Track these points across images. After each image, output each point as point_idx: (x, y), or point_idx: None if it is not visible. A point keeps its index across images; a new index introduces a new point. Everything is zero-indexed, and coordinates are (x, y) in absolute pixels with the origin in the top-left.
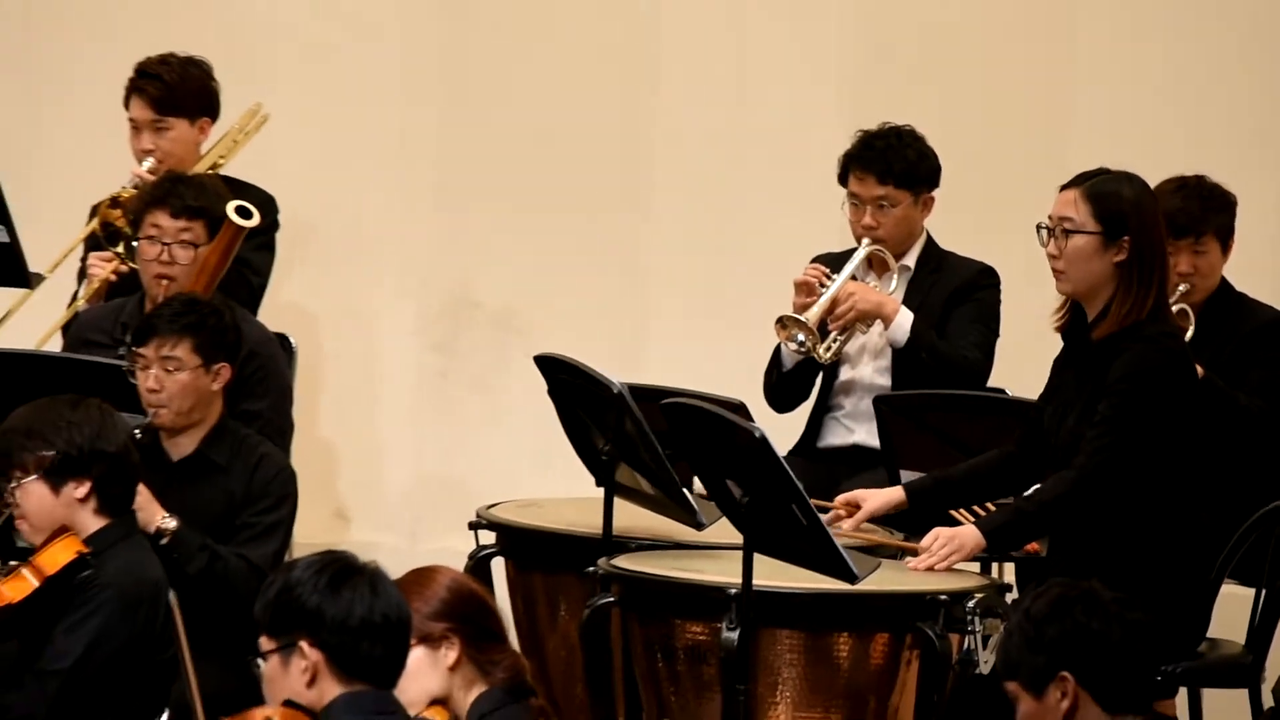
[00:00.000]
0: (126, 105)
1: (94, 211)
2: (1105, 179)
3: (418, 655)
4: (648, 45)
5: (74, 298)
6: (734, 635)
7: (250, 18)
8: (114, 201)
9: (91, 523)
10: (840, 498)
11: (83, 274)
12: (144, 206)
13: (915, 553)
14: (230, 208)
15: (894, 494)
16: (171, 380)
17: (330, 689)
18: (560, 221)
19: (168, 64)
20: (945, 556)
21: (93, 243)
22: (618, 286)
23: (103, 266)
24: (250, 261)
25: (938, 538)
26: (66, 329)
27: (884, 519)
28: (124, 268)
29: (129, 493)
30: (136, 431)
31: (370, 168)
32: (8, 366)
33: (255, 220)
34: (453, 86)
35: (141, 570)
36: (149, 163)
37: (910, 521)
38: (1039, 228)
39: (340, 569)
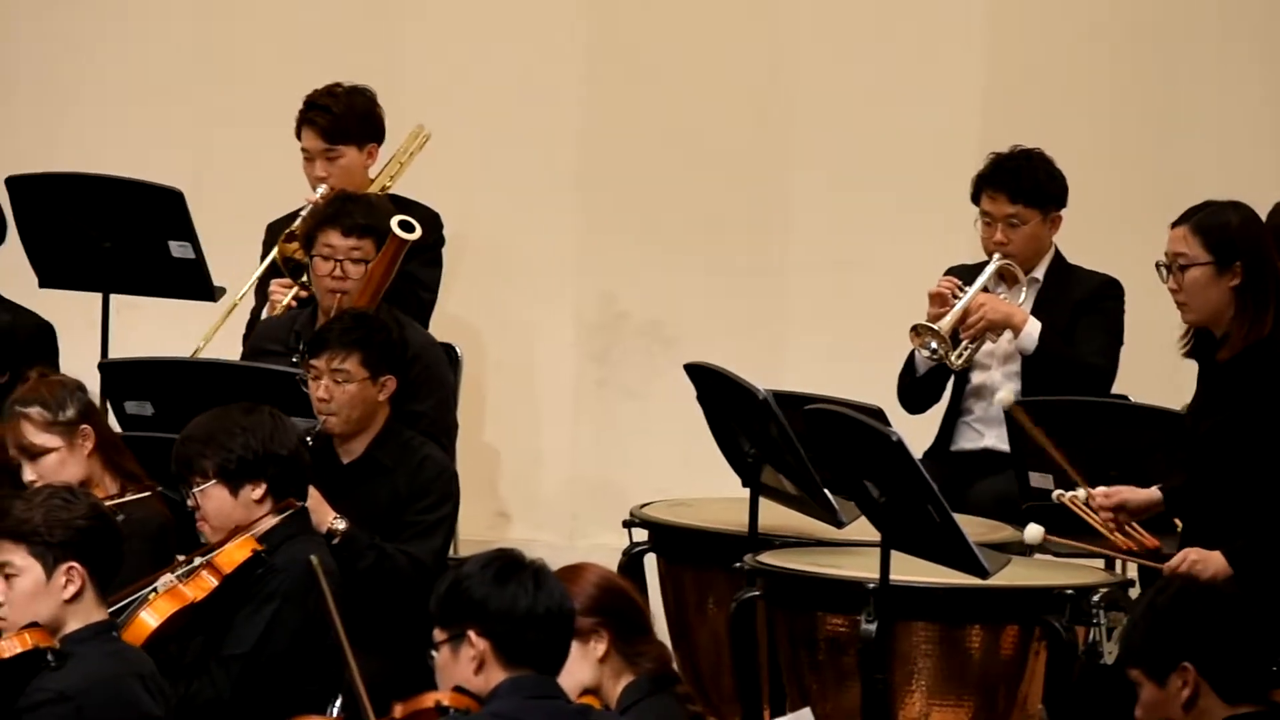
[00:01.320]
0: (298, 135)
1: (270, 230)
2: (1210, 211)
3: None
4: (787, 67)
5: (253, 316)
6: (872, 627)
7: (410, 43)
8: (289, 236)
9: (267, 522)
10: (1103, 497)
11: (260, 289)
12: (316, 225)
13: (1160, 572)
14: (394, 222)
15: (1152, 495)
16: (340, 391)
17: (496, 675)
18: (704, 237)
19: (334, 95)
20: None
21: (267, 258)
22: (760, 298)
23: (283, 292)
24: (420, 278)
25: (1185, 559)
26: (246, 338)
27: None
28: (304, 293)
29: (301, 492)
30: (309, 439)
31: (525, 188)
32: (196, 375)
33: (418, 233)
34: (598, 107)
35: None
36: (322, 189)
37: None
38: (1157, 266)
39: (506, 564)
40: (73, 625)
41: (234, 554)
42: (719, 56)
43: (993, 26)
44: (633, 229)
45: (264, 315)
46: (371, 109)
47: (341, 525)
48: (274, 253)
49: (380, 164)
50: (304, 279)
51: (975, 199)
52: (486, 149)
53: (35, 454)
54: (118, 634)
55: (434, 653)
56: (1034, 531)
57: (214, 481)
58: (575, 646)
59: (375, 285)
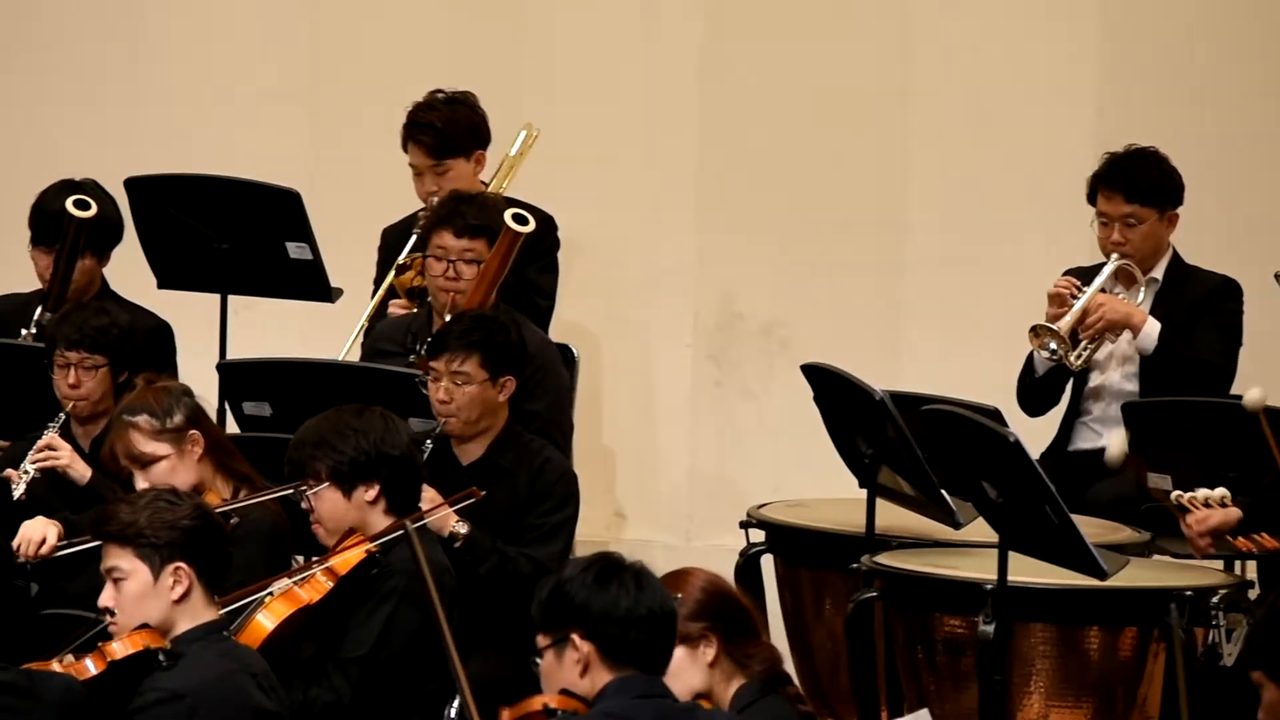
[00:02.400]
0: (405, 149)
1: (385, 236)
2: None
3: (679, 655)
4: (905, 67)
5: (370, 326)
6: (990, 628)
7: (525, 43)
8: (400, 269)
9: (380, 523)
10: (1197, 524)
11: (374, 293)
12: (430, 226)
13: None
14: (507, 215)
15: (1233, 514)
16: (460, 392)
17: (602, 677)
18: (821, 238)
19: (435, 109)
20: None
21: (383, 263)
22: (877, 298)
23: (404, 315)
24: (537, 284)
25: None
26: (365, 339)
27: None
28: (389, 320)
29: (414, 492)
30: (429, 441)
31: (641, 189)
32: (314, 376)
33: (531, 225)
34: (715, 108)
35: (431, 563)
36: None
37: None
38: (1276, 276)
39: (606, 567)
40: (183, 626)
41: (348, 556)
42: (837, 56)
43: (1106, 26)
44: (750, 230)
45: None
46: (473, 116)
47: (464, 529)
48: (388, 280)
49: (492, 167)
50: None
51: (1091, 199)
52: (603, 150)
53: (146, 462)
54: (229, 634)
55: (537, 659)
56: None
57: (327, 484)
58: (685, 652)
59: (490, 280)
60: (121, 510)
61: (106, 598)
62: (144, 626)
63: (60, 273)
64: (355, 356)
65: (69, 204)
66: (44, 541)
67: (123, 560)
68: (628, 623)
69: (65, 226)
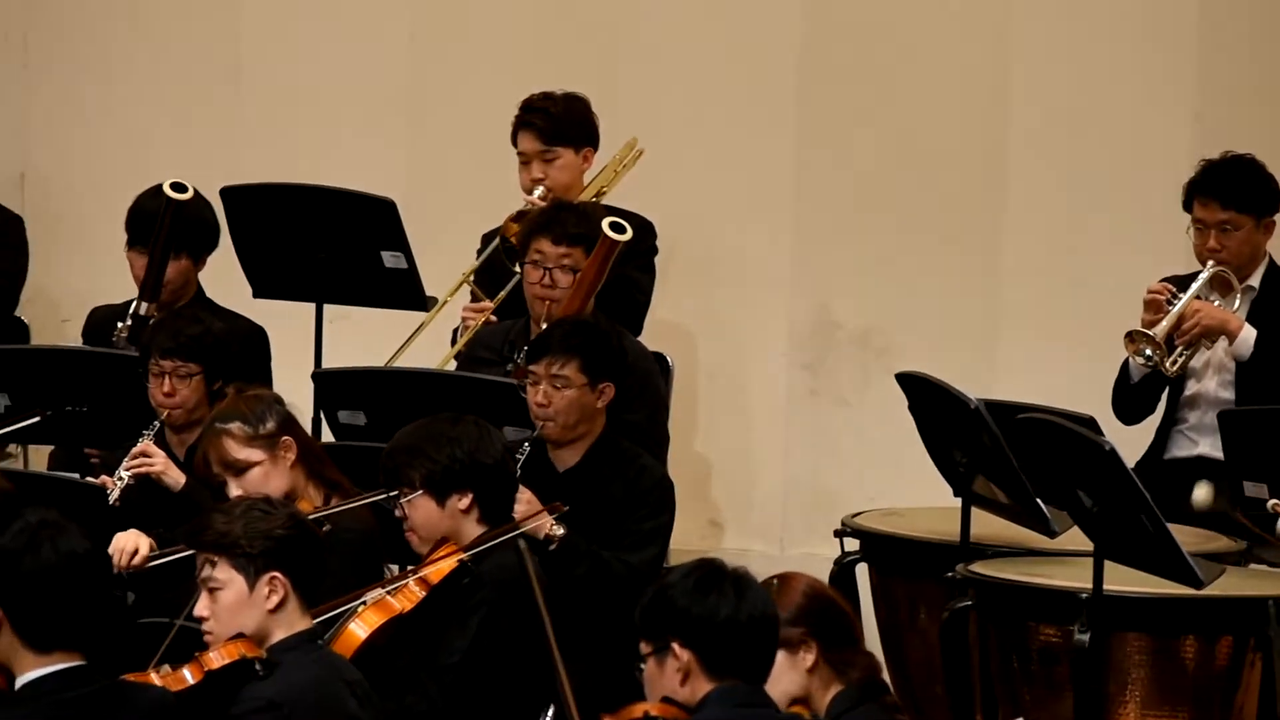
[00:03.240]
0: (514, 141)
1: (486, 241)
2: None
3: (778, 659)
4: (1005, 71)
5: (454, 337)
6: (1085, 638)
7: (624, 52)
8: (517, 216)
9: (473, 532)
10: None
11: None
12: (529, 232)
13: None
14: (605, 223)
15: None
16: (559, 397)
17: (702, 685)
18: (918, 245)
19: (551, 98)
20: None
21: (482, 272)
22: (973, 306)
23: (474, 317)
24: (636, 282)
25: None
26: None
27: None
28: (493, 319)
29: (508, 501)
30: (525, 445)
31: (738, 194)
32: (409, 385)
33: (629, 235)
34: (813, 113)
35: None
36: (539, 191)
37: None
38: None
39: (708, 574)
40: (278, 635)
41: (441, 565)
42: (936, 59)
43: (1205, 33)
44: (846, 237)
45: (458, 338)
46: (588, 114)
47: (560, 531)
48: (495, 242)
49: (595, 170)
50: (484, 302)
51: (1187, 206)
52: (700, 156)
53: (239, 470)
54: (324, 643)
55: (641, 665)
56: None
57: (421, 492)
58: (784, 656)
59: (587, 288)
60: (216, 520)
61: (202, 607)
62: (239, 636)
63: (156, 259)
64: (434, 347)
65: (165, 186)
66: (136, 552)
67: (218, 570)
68: (728, 631)
69: (161, 210)
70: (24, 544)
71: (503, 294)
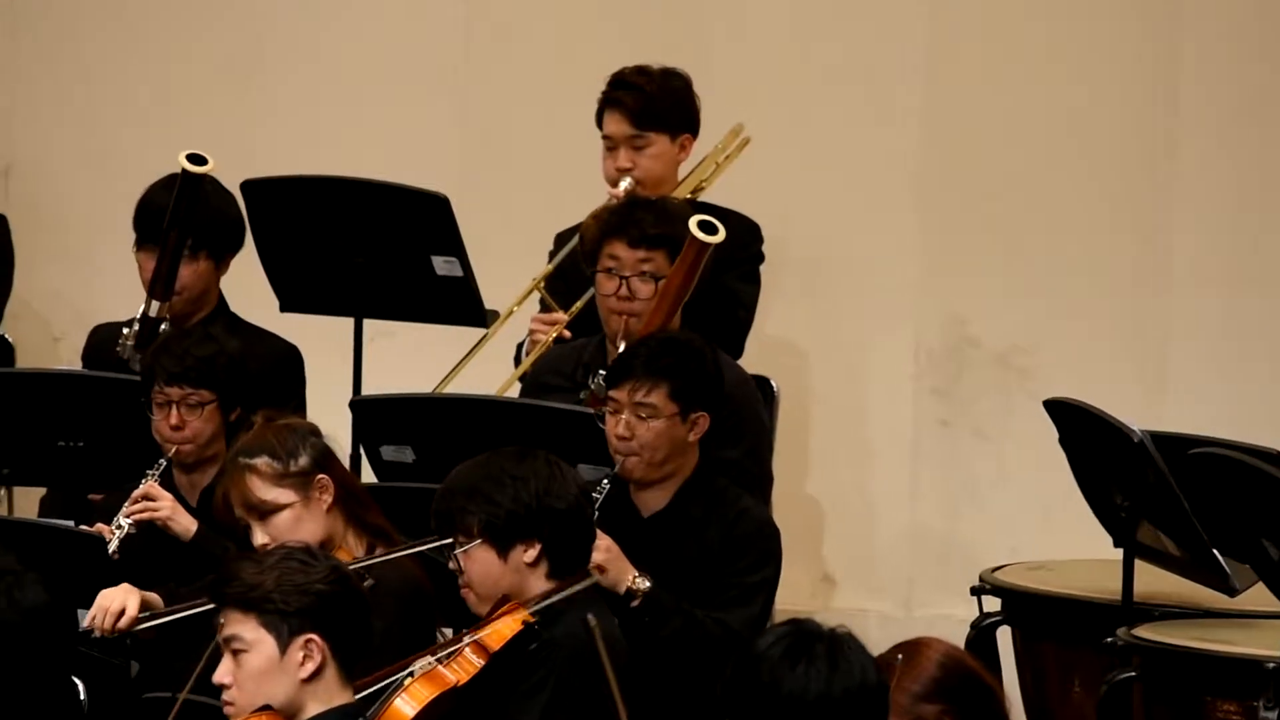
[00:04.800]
0: (599, 122)
1: (559, 241)
2: None
3: None
4: (1167, 52)
5: (519, 352)
6: (1273, 715)
7: (725, 35)
8: (602, 211)
9: (541, 588)
10: None
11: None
12: (601, 235)
13: None
14: (693, 222)
15: None
16: (644, 428)
17: None
18: (1066, 251)
19: (646, 74)
20: None
21: (555, 278)
22: (1135, 323)
23: (545, 330)
24: (737, 293)
25: None
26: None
27: None
28: (567, 333)
29: (582, 553)
30: (604, 482)
31: (857, 194)
32: (465, 415)
33: (721, 235)
34: (941, 102)
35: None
36: (626, 183)
37: None
38: None
39: (797, 639)
40: (312, 709)
41: (502, 628)
42: (1091, 37)
43: None
44: (983, 241)
45: (524, 354)
46: (688, 95)
47: (644, 585)
48: (574, 240)
49: (692, 163)
50: (557, 314)
51: None
52: (813, 151)
53: (265, 512)
54: None
55: None
56: None
57: (479, 541)
58: None
59: (672, 300)
60: (245, 570)
61: (223, 673)
62: (266, 709)
63: (170, 246)
64: (493, 370)
65: (181, 158)
66: (123, 613)
67: (245, 629)
68: (820, 710)
69: (176, 187)
70: None
71: (579, 304)
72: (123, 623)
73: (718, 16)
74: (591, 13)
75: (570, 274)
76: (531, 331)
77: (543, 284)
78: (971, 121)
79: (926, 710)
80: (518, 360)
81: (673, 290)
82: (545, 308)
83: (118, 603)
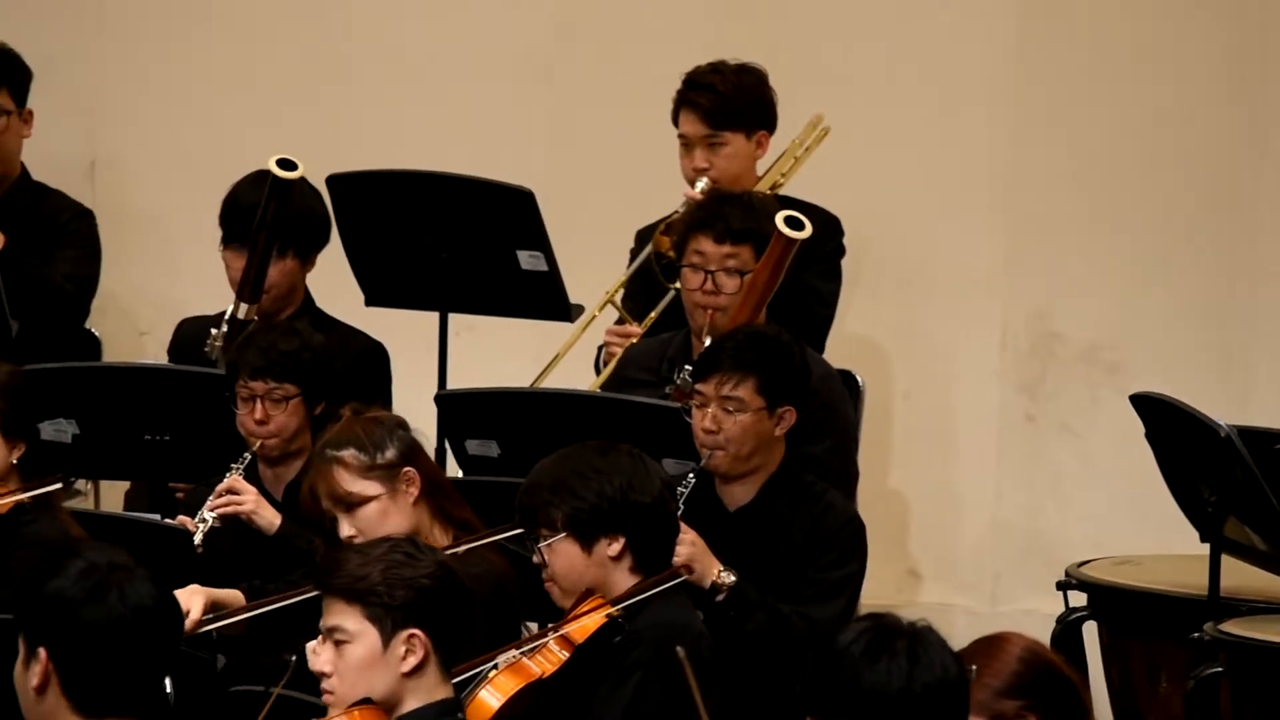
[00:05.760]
0: (675, 120)
1: (640, 238)
2: None
3: None
4: (1249, 63)
5: (598, 359)
6: None
7: (802, 20)
8: (667, 228)
9: (625, 582)
10: None
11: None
12: (687, 230)
13: None
14: (779, 218)
15: None
16: (731, 422)
17: None
18: (1151, 246)
19: (720, 72)
20: None
21: (639, 276)
22: (1223, 316)
23: (620, 343)
24: (817, 290)
25: None
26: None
27: None
28: (640, 343)
29: (666, 548)
30: (690, 476)
31: (940, 187)
32: (550, 409)
33: (807, 231)
34: (1027, 89)
35: (682, 625)
36: (702, 183)
37: None
38: None
39: (879, 634)
40: (411, 703)
41: (586, 621)
42: (1172, 38)
43: None
44: (1069, 232)
45: (602, 366)
46: (763, 91)
47: (729, 579)
48: (649, 248)
49: (771, 157)
50: (678, 284)
51: None
52: (895, 142)
53: (352, 504)
54: (463, 715)
55: None
56: None
57: (563, 535)
58: None
59: (758, 296)
60: (351, 561)
61: (324, 661)
62: (366, 702)
63: (259, 250)
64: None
65: (271, 163)
66: (187, 614)
67: (348, 620)
68: (901, 705)
69: (266, 191)
70: (86, 591)
71: (653, 315)
72: (185, 625)
73: (801, 9)
74: (676, 6)
75: (651, 276)
76: (606, 344)
77: (617, 295)
78: (1057, 116)
79: (1007, 706)
80: (598, 364)
81: (759, 285)
82: (620, 319)
83: (183, 604)
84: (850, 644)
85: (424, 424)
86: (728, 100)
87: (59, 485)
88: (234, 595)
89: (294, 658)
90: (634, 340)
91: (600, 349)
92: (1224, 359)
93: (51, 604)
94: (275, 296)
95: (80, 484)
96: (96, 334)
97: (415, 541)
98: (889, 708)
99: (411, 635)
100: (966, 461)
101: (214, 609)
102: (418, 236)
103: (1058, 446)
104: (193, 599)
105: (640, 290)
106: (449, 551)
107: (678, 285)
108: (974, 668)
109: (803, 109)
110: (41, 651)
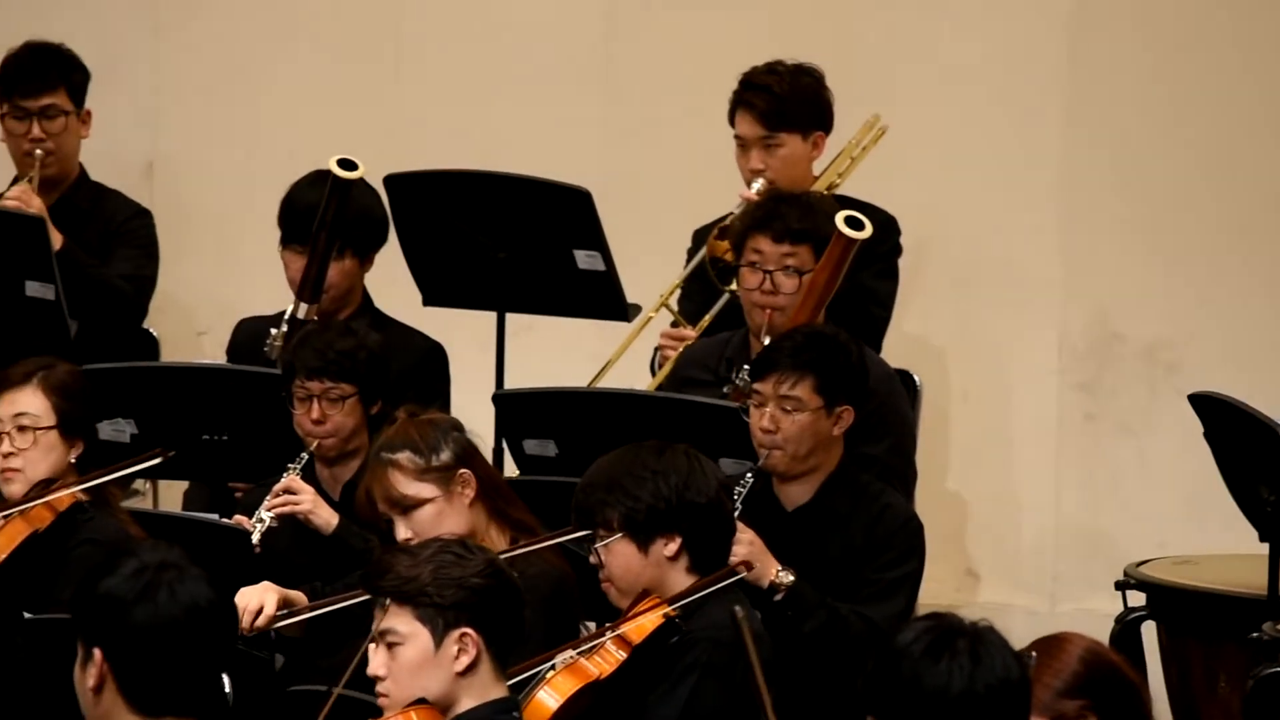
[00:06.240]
0: (731, 121)
1: (697, 238)
2: None
3: None
4: None
5: (654, 361)
6: None
7: (863, 19)
8: (721, 232)
9: (681, 582)
10: None
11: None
12: (745, 230)
13: None
14: (839, 218)
15: None
16: (789, 421)
17: None
18: (1210, 245)
19: (776, 73)
20: None
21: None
22: (1277, 316)
23: (674, 347)
24: (873, 291)
25: None
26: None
27: None
28: (698, 343)
29: (722, 548)
30: (748, 476)
31: (995, 186)
32: (608, 409)
33: (868, 231)
34: (1084, 87)
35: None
36: (758, 184)
37: None
38: None
39: (940, 635)
40: (466, 703)
41: (643, 621)
42: (1232, 33)
43: None
44: (1128, 231)
45: (657, 369)
46: (819, 92)
47: (788, 579)
48: (702, 252)
49: (828, 158)
50: (734, 286)
51: None
52: (952, 140)
53: (408, 507)
54: (519, 715)
55: None
56: None
57: (619, 535)
58: None
59: (819, 296)
60: (401, 563)
61: (378, 665)
62: (421, 702)
63: (319, 250)
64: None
65: (332, 163)
66: (260, 611)
67: (400, 622)
68: (963, 705)
69: (326, 191)
70: (139, 591)
71: (708, 318)
72: (260, 621)
73: (860, 9)
74: (734, 5)
75: (707, 277)
76: (661, 348)
77: (673, 296)
78: (1114, 115)
79: (1067, 706)
80: (653, 365)
81: (819, 286)
82: (674, 323)
83: (255, 601)
84: (911, 644)
85: (481, 423)
86: (784, 102)
87: (159, 459)
88: (300, 596)
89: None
90: (688, 344)
91: (656, 351)
92: None
93: (104, 604)
94: (334, 296)
95: (138, 483)
96: (154, 334)
97: (464, 542)
98: (950, 708)
99: (463, 635)
100: (1025, 461)
101: (284, 606)
102: (475, 236)
103: (1117, 446)
104: (266, 596)
105: (697, 291)
106: (507, 554)
107: (732, 288)
108: (1032, 656)
109: (860, 108)
110: (96, 652)
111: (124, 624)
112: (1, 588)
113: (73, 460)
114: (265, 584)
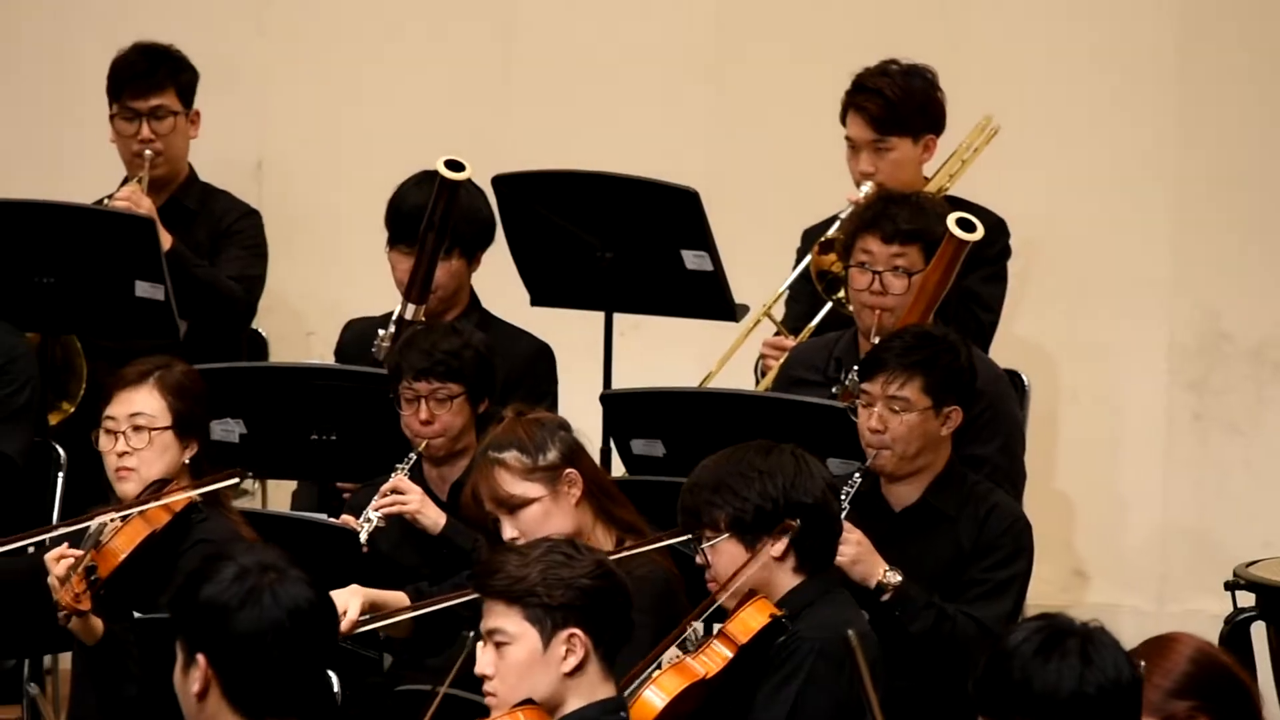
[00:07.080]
0: (843, 121)
1: (806, 238)
2: None
3: None
4: None
5: (757, 369)
6: None
7: (977, 20)
8: (826, 245)
9: (788, 582)
10: None
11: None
12: (854, 230)
13: None
14: (951, 220)
15: None
16: (897, 421)
17: None
18: None
19: (888, 75)
20: None
21: (803, 280)
22: None
23: (776, 356)
24: (979, 295)
25: None
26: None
27: None
28: (807, 342)
29: (829, 548)
30: (855, 476)
31: (1106, 187)
32: (715, 409)
33: (979, 233)
34: (1194, 84)
35: (846, 625)
36: (866, 187)
37: None
38: None
39: (1050, 635)
40: (574, 703)
41: (749, 621)
42: None
43: None
44: (1238, 232)
45: (760, 378)
46: (931, 94)
47: (895, 579)
48: (806, 260)
49: (939, 160)
50: (839, 295)
51: None
52: (1062, 142)
53: (515, 506)
54: (626, 715)
55: None
56: None
57: (726, 535)
58: None
59: (929, 298)
60: (510, 563)
61: (485, 664)
62: (528, 702)
63: (427, 251)
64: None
65: (440, 164)
66: (345, 614)
67: (508, 622)
68: (1074, 706)
69: (434, 192)
70: (241, 596)
71: (810, 327)
72: (343, 625)
73: (970, 9)
74: (842, 5)
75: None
76: (763, 357)
77: (779, 303)
78: (1224, 116)
79: (1177, 707)
80: (757, 372)
81: (930, 287)
82: (776, 332)
83: (339, 605)
84: (1021, 644)
85: (589, 423)
86: (895, 106)
87: (235, 481)
88: (396, 597)
89: (471, 634)
90: (788, 352)
91: (759, 359)
92: None
93: (206, 611)
94: (442, 297)
95: (248, 484)
96: (263, 334)
97: (574, 542)
98: (1061, 709)
99: (571, 635)
100: (1133, 461)
101: (373, 609)
102: (583, 237)
103: (1225, 446)
104: (350, 599)
105: (804, 294)
106: (615, 555)
107: (837, 297)
108: (1142, 663)
109: (972, 108)
110: (200, 658)
111: (228, 631)
112: (119, 587)
113: (187, 461)
114: (353, 587)
